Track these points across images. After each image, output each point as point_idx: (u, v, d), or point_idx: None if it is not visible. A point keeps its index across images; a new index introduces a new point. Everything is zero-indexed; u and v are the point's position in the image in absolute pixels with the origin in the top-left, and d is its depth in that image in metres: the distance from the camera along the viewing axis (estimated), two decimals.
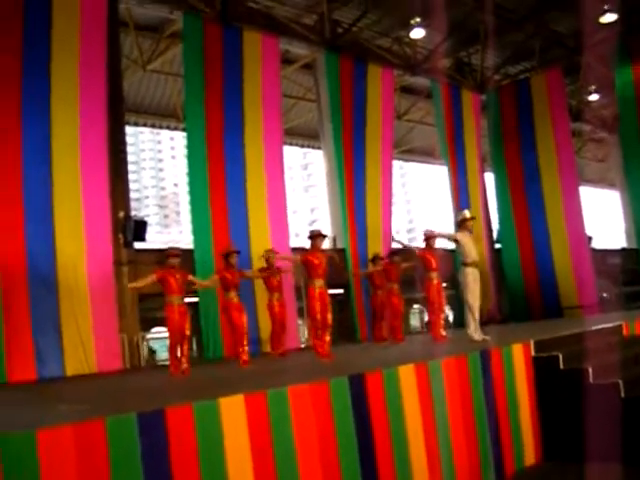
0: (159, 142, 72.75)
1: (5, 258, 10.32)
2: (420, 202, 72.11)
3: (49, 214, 10.87)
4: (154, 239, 31.69)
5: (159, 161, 73.80)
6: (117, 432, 3.85)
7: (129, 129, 18.13)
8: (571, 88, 22.23)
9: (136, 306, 12.54)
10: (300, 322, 14.83)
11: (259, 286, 11.80)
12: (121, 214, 12.38)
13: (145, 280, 8.79)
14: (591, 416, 6.37)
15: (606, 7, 16.72)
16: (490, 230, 20.29)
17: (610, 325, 9.85)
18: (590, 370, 6.95)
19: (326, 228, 16.53)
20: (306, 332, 14.82)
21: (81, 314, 10.91)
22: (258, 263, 11.40)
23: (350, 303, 15.64)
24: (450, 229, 10.11)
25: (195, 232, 13.19)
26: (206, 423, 4.30)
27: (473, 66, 20.82)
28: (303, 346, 14.08)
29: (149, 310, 14.10)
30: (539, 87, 19.68)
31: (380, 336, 11.98)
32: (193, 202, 13.35)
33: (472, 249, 9.27)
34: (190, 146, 13.46)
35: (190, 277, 9.05)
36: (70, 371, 10.61)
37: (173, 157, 71.97)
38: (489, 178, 20.70)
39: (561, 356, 7.23)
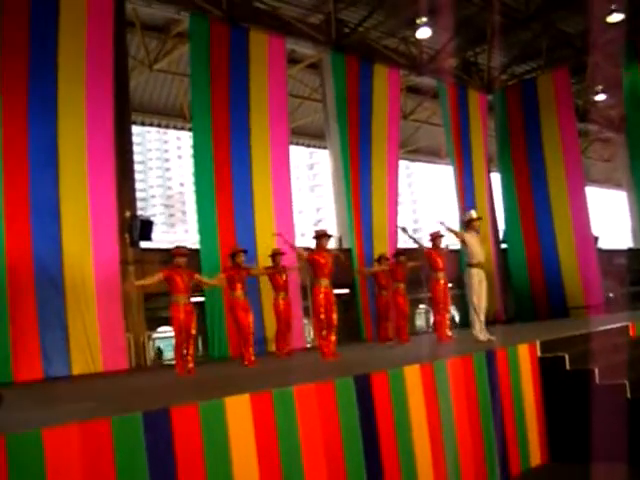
0: (166, 142, 72.91)
1: (12, 258, 10.36)
2: (426, 202, 72.06)
3: (56, 214, 10.92)
4: (160, 239, 31.73)
5: (165, 161, 73.96)
6: (123, 431, 3.86)
7: (136, 129, 18.21)
8: (578, 88, 22.19)
9: (142, 305, 12.58)
10: (306, 322, 14.83)
11: (265, 285, 11.82)
12: (127, 214, 12.41)
13: (152, 278, 8.80)
14: (597, 417, 6.35)
15: (613, 7, 16.65)
16: (496, 230, 20.27)
17: (616, 325, 9.80)
18: (596, 371, 6.92)
19: (332, 228, 16.55)
20: (312, 332, 14.82)
21: (87, 313, 10.96)
22: (264, 263, 11.42)
23: (356, 303, 15.64)
24: (456, 229, 10.05)
25: (201, 232, 13.21)
26: (212, 422, 4.30)
27: (479, 66, 20.80)
28: (309, 346, 14.09)
29: (155, 309, 14.14)
30: (546, 87, 19.64)
31: (385, 336, 11.96)
32: (199, 202, 13.37)
33: (478, 250, 9.24)
34: (196, 146, 13.48)
35: (196, 276, 9.06)
36: (76, 370, 10.66)
37: (180, 157, 72.12)
38: (495, 178, 20.68)
39: (567, 357, 7.20)
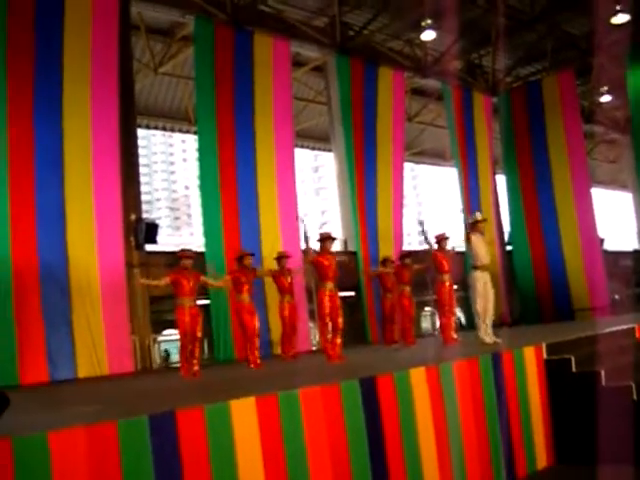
0: (171, 145, 72.97)
1: (17, 260, 10.38)
2: (431, 204, 71.94)
3: (61, 217, 10.95)
4: (165, 241, 31.75)
5: (171, 164, 74.03)
6: (129, 434, 3.86)
7: (141, 132, 18.21)
8: (583, 89, 22.14)
9: (148, 308, 12.59)
10: (311, 324, 14.83)
11: (270, 288, 11.82)
12: (132, 216, 12.44)
13: (158, 281, 8.85)
14: (603, 419, 6.33)
15: (618, 8, 16.61)
16: (501, 232, 20.23)
17: (622, 327, 9.77)
18: (602, 373, 6.91)
19: (337, 231, 16.55)
20: (317, 334, 14.81)
21: (93, 316, 10.97)
22: (269, 265, 11.43)
23: (361, 306, 15.63)
24: (461, 231, 10.02)
25: (206, 234, 13.23)
26: (217, 425, 4.30)
27: (484, 68, 20.80)
28: (314, 348, 14.08)
29: (161, 312, 14.15)
30: (551, 89, 19.62)
31: (391, 339, 11.94)
32: (204, 204, 13.39)
33: (483, 252, 9.16)
34: (201, 149, 13.50)
35: (202, 278, 9.08)
36: (82, 373, 10.67)
37: (185, 160, 72.20)
38: (500, 180, 20.65)
39: (573, 359, 7.18)
